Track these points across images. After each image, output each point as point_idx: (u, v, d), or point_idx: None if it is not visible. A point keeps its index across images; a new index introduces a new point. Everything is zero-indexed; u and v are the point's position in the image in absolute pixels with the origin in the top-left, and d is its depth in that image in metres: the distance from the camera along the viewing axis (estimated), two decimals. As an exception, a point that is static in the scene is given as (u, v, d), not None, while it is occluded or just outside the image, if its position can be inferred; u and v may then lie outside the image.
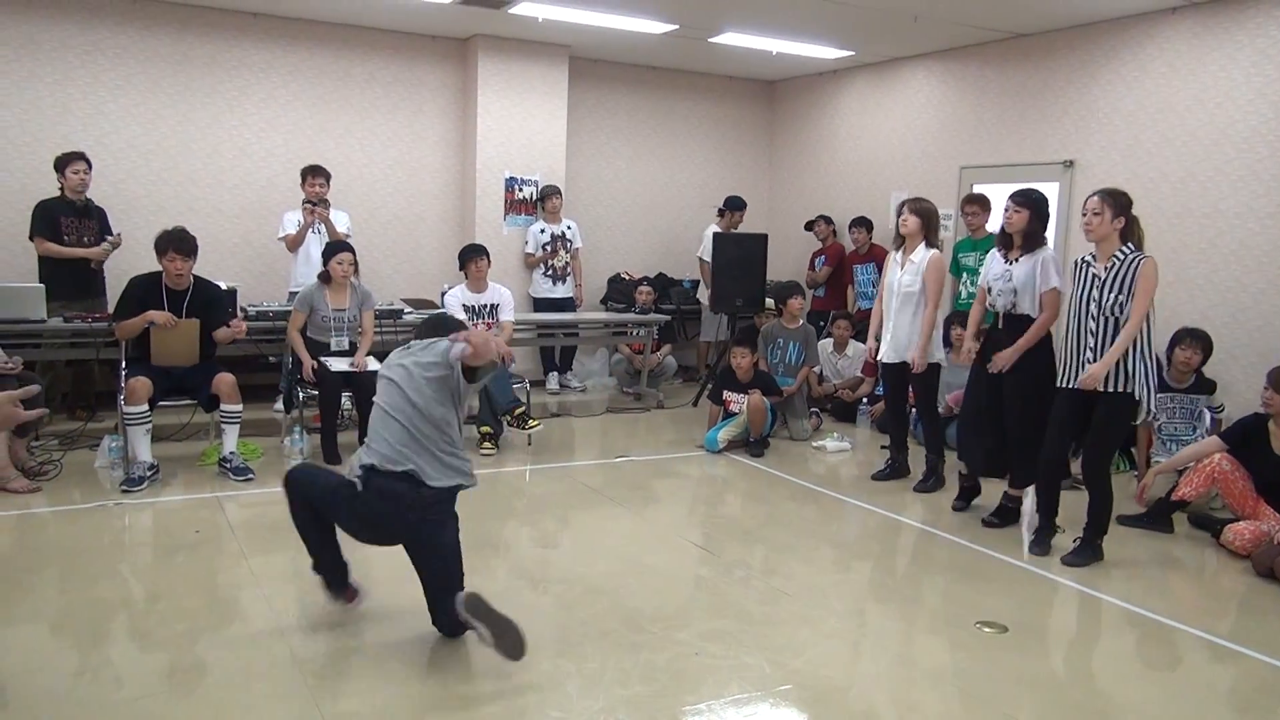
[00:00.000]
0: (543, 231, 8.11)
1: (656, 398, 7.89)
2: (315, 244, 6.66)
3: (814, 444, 6.58)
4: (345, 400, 5.99)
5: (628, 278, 8.98)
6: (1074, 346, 4.32)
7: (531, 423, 5.97)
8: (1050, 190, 5.52)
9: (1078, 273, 4.36)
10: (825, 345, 7.57)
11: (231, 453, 5.26)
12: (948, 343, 6.13)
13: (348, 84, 7.84)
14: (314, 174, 6.83)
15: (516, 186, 8.23)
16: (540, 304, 8.11)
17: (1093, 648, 3.64)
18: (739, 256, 7.74)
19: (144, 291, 5.19)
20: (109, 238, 6.22)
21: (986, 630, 3.60)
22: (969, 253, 6.24)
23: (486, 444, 6.06)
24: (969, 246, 6.30)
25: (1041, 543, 4.54)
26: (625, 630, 3.46)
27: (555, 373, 8.38)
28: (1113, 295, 4.18)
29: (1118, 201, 4.21)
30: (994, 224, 5.76)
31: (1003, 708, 3.01)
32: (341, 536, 3.37)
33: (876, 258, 7.95)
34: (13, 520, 4.49)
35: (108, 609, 3.53)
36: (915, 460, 5.70)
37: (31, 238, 6.11)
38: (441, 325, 3.47)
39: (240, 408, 5.25)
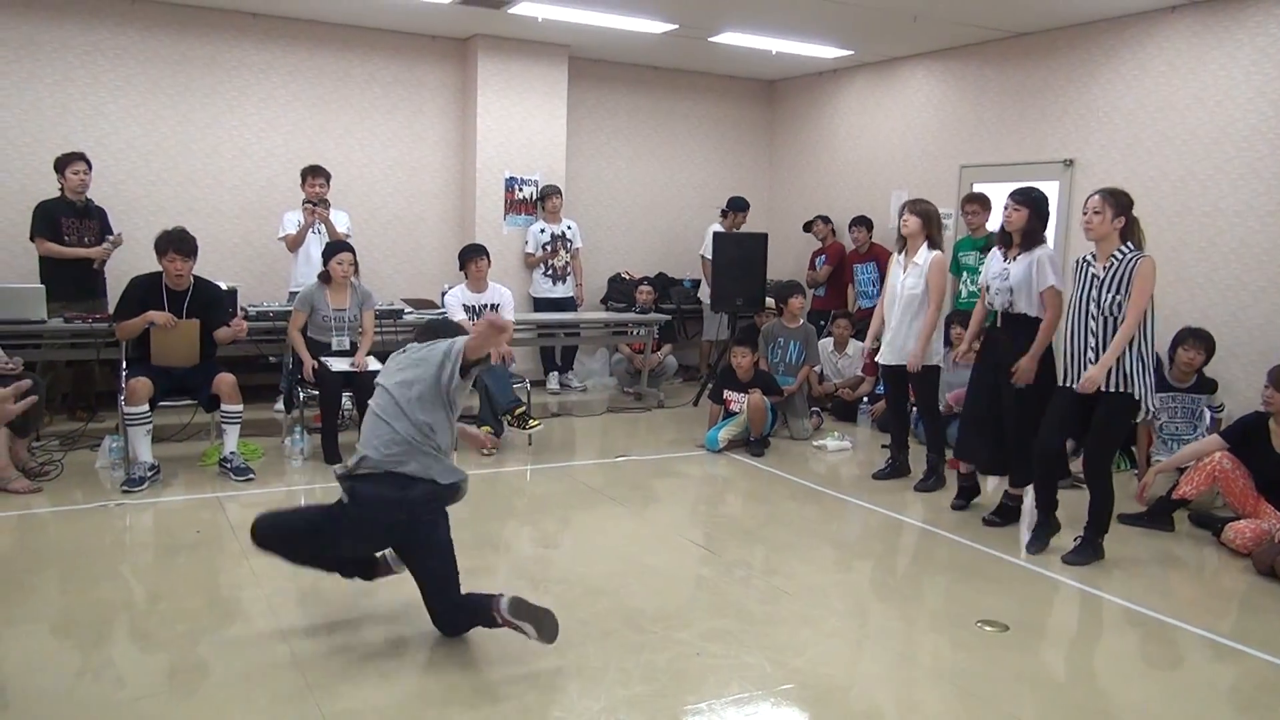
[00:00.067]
0: (543, 231, 8.11)
1: (657, 397, 7.89)
2: (315, 244, 6.66)
3: (814, 443, 6.58)
4: (346, 400, 6.00)
5: (628, 277, 8.98)
6: (1075, 346, 4.32)
7: (532, 422, 5.97)
8: (1050, 189, 5.52)
9: (1078, 272, 4.36)
10: (826, 344, 7.57)
11: (232, 453, 5.26)
12: (948, 342, 6.13)
13: (347, 84, 7.84)
14: (314, 174, 6.83)
15: (516, 186, 8.24)
16: (540, 304, 8.11)
17: (1094, 646, 3.64)
18: (739, 256, 7.74)
19: (144, 292, 5.19)
20: (109, 238, 6.22)
21: (987, 629, 3.60)
22: (969, 251, 6.24)
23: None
24: (969, 245, 6.30)
25: (1039, 539, 4.53)
26: (626, 630, 3.46)
27: (556, 372, 8.38)
28: (1111, 295, 4.18)
29: (1119, 201, 4.21)
30: (994, 223, 5.76)
31: (1004, 707, 3.01)
32: None
33: (877, 257, 7.95)
34: (14, 521, 4.50)
35: (109, 609, 3.53)
36: (916, 460, 5.70)
37: (32, 238, 6.11)
38: (443, 330, 3.48)
39: (241, 408, 5.25)
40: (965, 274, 6.24)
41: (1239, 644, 3.57)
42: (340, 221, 6.93)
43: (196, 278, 5.33)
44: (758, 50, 8.05)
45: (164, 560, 4.09)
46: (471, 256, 6.47)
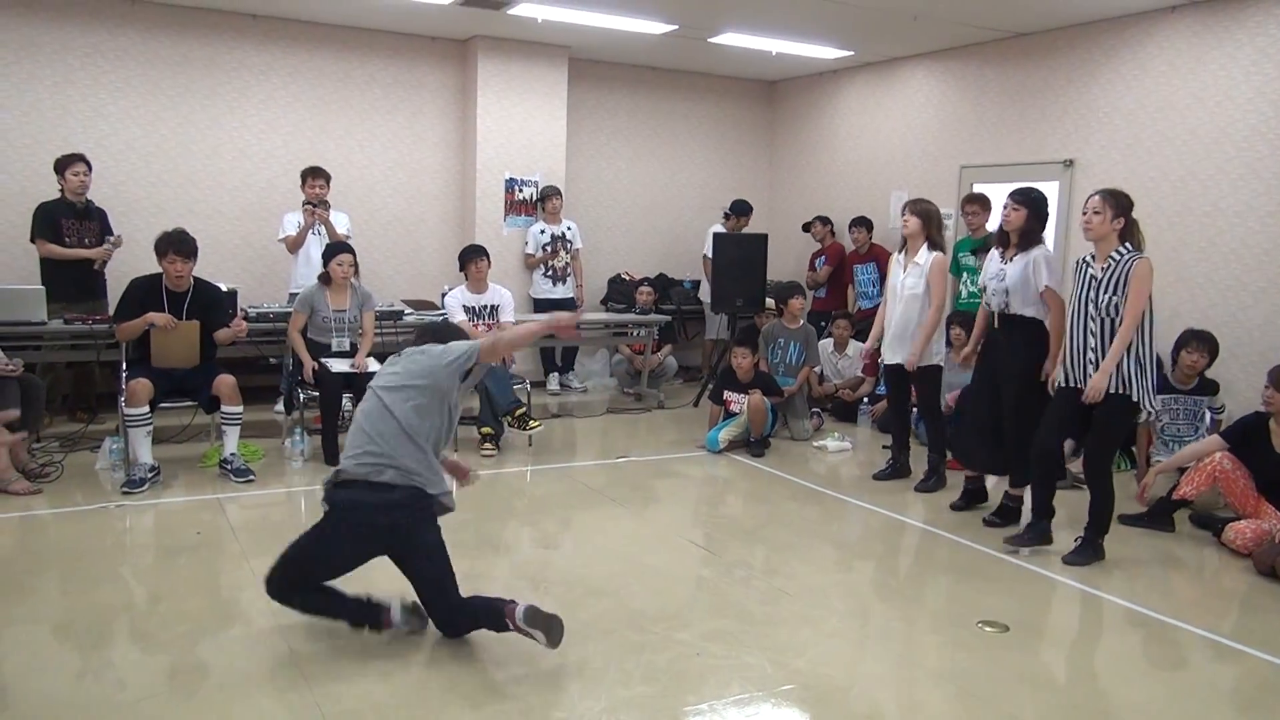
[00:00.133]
0: (543, 232, 8.11)
1: (657, 398, 7.89)
2: (315, 245, 6.67)
3: (815, 444, 6.57)
4: (346, 401, 5.99)
5: (628, 278, 8.98)
6: (1076, 347, 4.31)
7: (532, 423, 5.97)
8: (1050, 189, 5.53)
9: (1077, 273, 4.35)
10: (826, 345, 7.57)
11: (232, 454, 5.26)
12: (948, 343, 6.12)
13: (348, 85, 7.85)
14: (314, 175, 6.83)
15: (516, 187, 8.24)
16: (540, 305, 8.11)
17: (1094, 647, 3.64)
18: (739, 256, 7.74)
19: (144, 293, 5.19)
20: (109, 238, 6.22)
21: (988, 629, 3.60)
22: (969, 252, 6.24)
23: (487, 445, 6.06)
24: (969, 246, 6.30)
25: (1025, 538, 4.48)
26: (627, 630, 3.46)
27: (556, 373, 8.38)
28: (1108, 296, 4.18)
29: (1119, 202, 4.21)
30: (995, 223, 5.76)
31: (1004, 707, 3.01)
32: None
33: (877, 257, 7.95)
34: (14, 522, 4.50)
35: (109, 611, 3.53)
36: (916, 460, 5.70)
37: (32, 240, 6.11)
38: (442, 332, 3.49)
39: (241, 409, 5.25)
40: (965, 275, 6.24)
41: (1240, 644, 3.57)
42: (340, 223, 6.93)
43: (196, 279, 5.33)
44: (758, 51, 8.05)
45: (164, 561, 4.09)
46: (471, 257, 6.48)
